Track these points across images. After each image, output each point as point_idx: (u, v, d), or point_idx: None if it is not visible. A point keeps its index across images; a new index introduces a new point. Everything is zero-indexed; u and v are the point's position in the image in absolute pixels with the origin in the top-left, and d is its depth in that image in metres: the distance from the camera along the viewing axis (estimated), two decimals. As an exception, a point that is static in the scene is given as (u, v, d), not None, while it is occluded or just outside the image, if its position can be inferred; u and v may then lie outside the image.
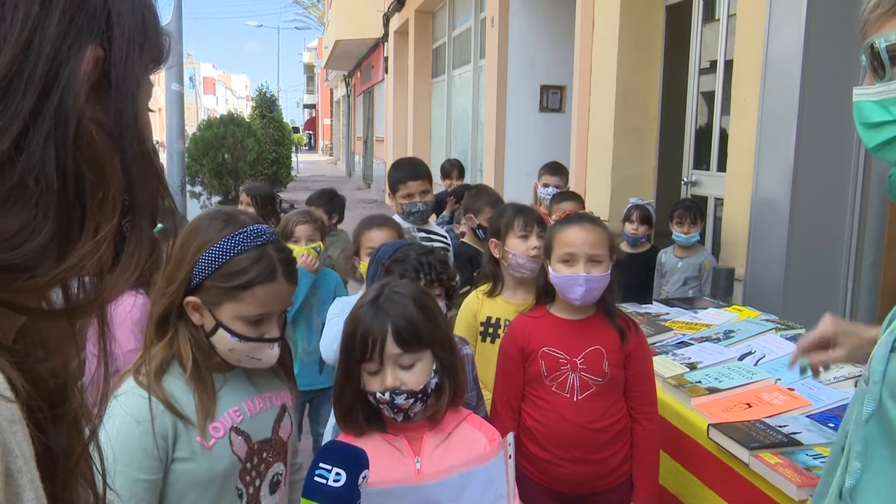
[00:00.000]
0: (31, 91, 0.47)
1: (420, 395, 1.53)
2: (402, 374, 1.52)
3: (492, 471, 1.53)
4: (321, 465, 1.35)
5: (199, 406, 1.39)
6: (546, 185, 4.72)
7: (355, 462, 1.37)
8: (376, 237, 2.64)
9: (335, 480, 1.33)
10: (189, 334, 1.42)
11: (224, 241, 1.40)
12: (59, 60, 0.49)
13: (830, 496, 1.07)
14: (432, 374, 1.55)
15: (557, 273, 2.08)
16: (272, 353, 1.46)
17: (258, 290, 1.39)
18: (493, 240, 2.74)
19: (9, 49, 0.47)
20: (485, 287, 2.75)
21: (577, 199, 4.22)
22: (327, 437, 2.46)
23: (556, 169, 4.89)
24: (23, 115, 0.47)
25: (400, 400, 1.51)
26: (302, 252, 3.13)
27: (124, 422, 1.34)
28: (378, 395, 1.52)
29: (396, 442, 1.58)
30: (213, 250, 1.39)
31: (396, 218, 3.30)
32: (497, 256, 2.70)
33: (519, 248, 2.62)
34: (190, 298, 1.40)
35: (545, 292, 2.20)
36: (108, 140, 0.53)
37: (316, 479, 1.34)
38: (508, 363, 2.17)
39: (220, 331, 1.41)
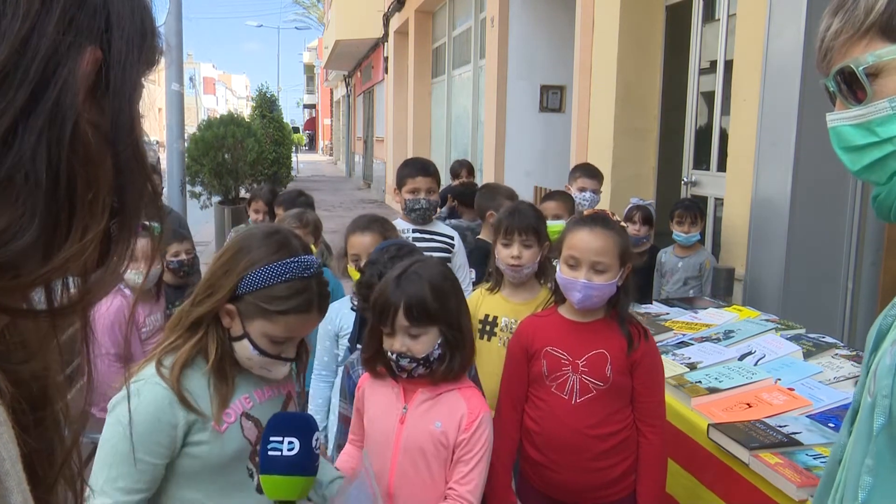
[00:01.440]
0: (24, 87, 0.47)
1: (422, 361, 1.78)
2: (409, 342, 1.77)
3: (360, 491, 1.58)
4: (272, 438, 1.38)
5: (216, 395, 1.49)
6: (583, 190, 4.21)
7: (305, 427, 1.41)
8: (358, 242, 2.66)
9: (289, 449, 1.38)
10: (217, 335, 1.51)
11: (274, 266, 1.48)
12: (57, 59, 0.49)
13: None
14: (436, 346, 1.78)
15: (562, 274, 2.07)
16: (283, 370, 1.56)
17: (292, 318, 1.49)
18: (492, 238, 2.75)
19: (6, 45, 0.46)
20: (490, 283, 2.77)
21: (564, 197, 3.99)
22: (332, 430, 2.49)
23: (593, 172, 4.37)
24: (12, 111, 0.47)
25: (404, 362, 1.78)
26: None
27: (139, 406, 1.43)
28: (389, 353, 1.80)
29: (396, 388, 1.87)
30: (262, 271, 1.47)
31: (396, 222, 3.29)
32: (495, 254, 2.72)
33: (501, 254, 2.64)
34: (228, 306, 1.49)
35: (558, 290, 2.16)
36: (102, 142, 0.52)
37: (270, 453, 1.37)
38: (513, 363, 2.16)
39: (245, 341, 1.50)
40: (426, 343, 1.77)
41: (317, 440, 1.41)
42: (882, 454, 0.95)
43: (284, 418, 1.47)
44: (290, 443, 1.37)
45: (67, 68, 0.49)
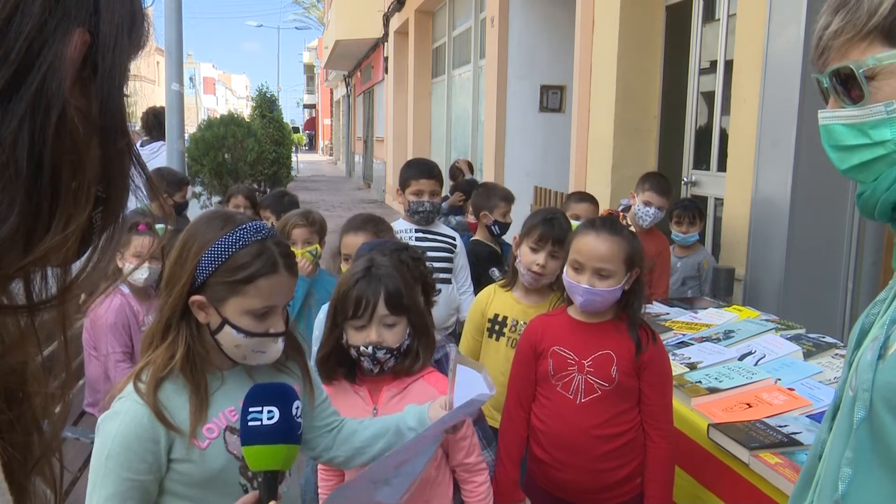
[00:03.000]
0: (3, 69, 0.44)
1: (396, 352, 1.83)
2: (384, 333, 1.81)
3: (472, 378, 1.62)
4: (251, 409, 1.34)
5: (192, 409, 1.43)
6: (648, 204, 3.84)
7: (284, 396, 1.37)
8: (351, 242, 2.66)
9: (269, 418, 1.33)
10: (187, 335, 1.45)
11: (225, 238, 1.44)
12: (42, 40, 0.46)
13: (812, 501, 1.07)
14: (406, 336, 1.84)
15: (567, 277, 2.09)
16: (276, 347, 1.49)
17: (262, 282, 1.43)
18: (516, 236, 2.74)
19: None
20: (504, 280, 2.77)
21: (590, 200, 3.96)
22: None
23: (665, 189, 3.90)
24: None
25: (380, 354, 1.81)
26: (297, 257, 3.13)
27: (119, 425, 1.40)
28: (361, 348, 1.81)
29: (360, 391, 1.89)
30: (215, 248, 1.43)
31: (396, 224, 3.28)
32: (515, 253, 2.71)
33: (526, 258, 2.62)
34: (195, 297, 1.43)
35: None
36: (89, 129, 0.50)
37: (250, 423, 1.33)
38: (521, 361, 2.18)
39: (226, 328, 1.43)
40: (399, 333, 1.83)
41: (297, 408, 1.37)
42: (862, 447, 0.96)
43: (262, 389, 1.41)
44: (269, 412, 1.33)
45: (53, 50, 0.46)
